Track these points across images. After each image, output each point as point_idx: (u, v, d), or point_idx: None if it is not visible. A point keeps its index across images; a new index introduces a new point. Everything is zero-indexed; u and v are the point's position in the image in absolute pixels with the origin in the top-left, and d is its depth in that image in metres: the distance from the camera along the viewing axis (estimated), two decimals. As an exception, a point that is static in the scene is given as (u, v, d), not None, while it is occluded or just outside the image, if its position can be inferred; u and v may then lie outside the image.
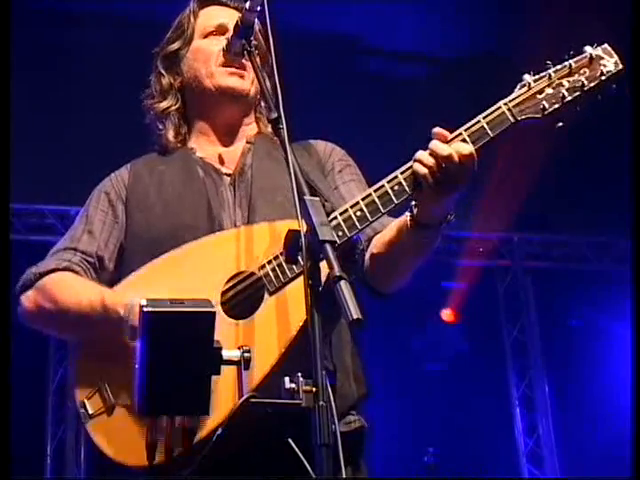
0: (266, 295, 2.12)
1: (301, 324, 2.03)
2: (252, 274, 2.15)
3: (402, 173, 2.09)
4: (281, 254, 2.12)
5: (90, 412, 2.15)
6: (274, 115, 2.03)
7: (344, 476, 1.64)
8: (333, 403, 1.65)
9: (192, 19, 2.55)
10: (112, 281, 2.31)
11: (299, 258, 1.87)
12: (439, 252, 7.53)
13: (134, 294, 2.10)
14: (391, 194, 2.08)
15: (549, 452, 7.68)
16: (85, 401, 2.16)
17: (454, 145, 2.04)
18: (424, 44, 7.56)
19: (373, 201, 2.08)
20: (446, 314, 8.25)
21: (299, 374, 1.68)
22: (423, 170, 2.04)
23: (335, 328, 2.20)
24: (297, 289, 2.08)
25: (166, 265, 2.22)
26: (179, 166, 2.45)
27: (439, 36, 7.44)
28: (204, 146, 2.50)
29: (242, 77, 2.45)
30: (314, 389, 1.66)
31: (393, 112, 7.03)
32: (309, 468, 1.73)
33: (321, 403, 1.64)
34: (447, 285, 8.16)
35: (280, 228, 2.16)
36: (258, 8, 2.13)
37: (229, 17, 2.47)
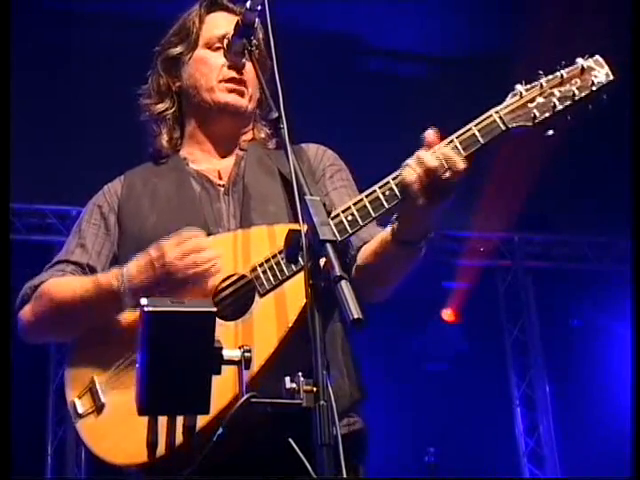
0: (257, 297, 2.14)
1: (295, 319, 2.06)
2: (243, 276, 2.17)
3: (394, 179, 2.11)
4: (273, 257, 2.14)
5: (80, 411, 2.18)
6: (275, 115, 2.03)
7: (344, 476, 1.64)
8: (333, 403, 1.66)
9: (198, 23, 2.53)
10: None
11: (299, 258, 1.88)
12: (439, 252, 7.55)
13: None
14: (382, 199, 2.10)
15: (550, 452, 7.68)
16: (75, 400, 2.19)
17: (449, 156, 2.04)
18: (424, 44, 7.56)
19: (364, 206, 2.10)
20: (447, 314, 8.26)
21: (300, 374, 1.68)
22: (410, 178, 2.05)
23: (329, 330, 2.20)
24: (291, 290, 2.11)
25: None
26: (173, 178, 2.46)
27: (439, 36, 7.44)
28: (198, 156, 2.51)
29: (241, 95, 2.46)
30: (315, 389, 1.66)
31: (393, 112, 7.03)
32: (309, 468, 1.73)
33: (322, 403, 1.64)
34: (448, 285, 8.16)
35: (277, 231, 2.18)
36: (258, 7, 2.13)
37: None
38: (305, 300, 1.74)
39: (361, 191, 2.19)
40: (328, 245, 1.70)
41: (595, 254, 8.18)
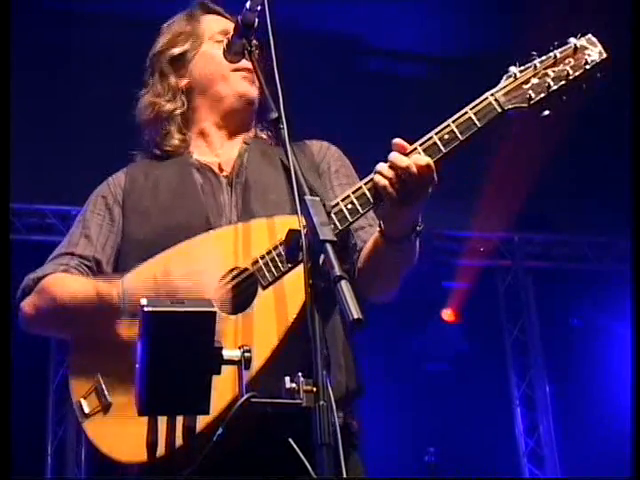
0: (259, 290, 2.14)
1: (295, 316, 2.06)
2: (245, 269, 2.17)
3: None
4: (274, 248, 2.14)
5: (86, 411, 2.18)
6: (274, 115, 2.03)
7: (344, 475, 1.64)
8: (333, 403, 1.66)
9: (197, 23, 2.58)
10: None
11: (299, 258, 1.88)
12: (439, 252, 7.54)
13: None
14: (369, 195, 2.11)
15: (550, 452, 7.68)
16: (81, 400, 2.19)
17: (413, 157, 2.07)
18: (424, 44, 7.56)
19: (363, 194, 2.12)
20: (447, 314, 8.25)
21: (300, 374, 1.68)
22: (383, 182, 2.06)
23: (329, 324, 2.20)
24: (292, 282, 2.11)
25: (160, 263, 2.23)
26: (175, 170, 2.46)
27: (439, 36, 7.44)
28: (202, 149, 2.51)
29: (252, 83, 2.47)
30: (314, 389, 1.66)
31: (393, 112, 7.03)
32: (309, 468, 1.73)
33: (321, 403, 1.64)
34: (448, 285, 8.16)
35: (276, 223, 2.19)
36: (258, 8, 2.14)
37: (230, 24, 2.48)
38: (305, 295, 1.75)
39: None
40: (328, 245, 1.70)
41: (595, 254, 8.17)
